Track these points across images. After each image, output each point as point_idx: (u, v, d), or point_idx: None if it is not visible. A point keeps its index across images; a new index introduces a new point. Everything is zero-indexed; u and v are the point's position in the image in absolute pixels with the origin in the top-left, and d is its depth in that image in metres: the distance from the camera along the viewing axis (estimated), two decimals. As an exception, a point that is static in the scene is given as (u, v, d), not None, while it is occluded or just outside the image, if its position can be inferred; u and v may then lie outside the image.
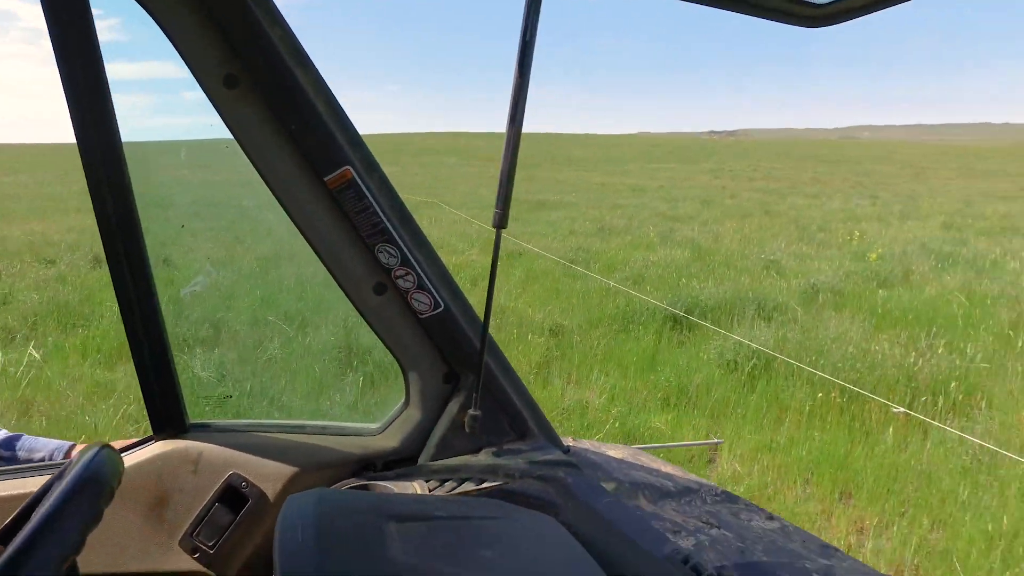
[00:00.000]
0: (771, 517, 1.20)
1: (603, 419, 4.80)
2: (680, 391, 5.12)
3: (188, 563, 1.17)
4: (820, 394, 4.65)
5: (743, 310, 6.72)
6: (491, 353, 1.19)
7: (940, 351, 5.30)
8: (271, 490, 1.18)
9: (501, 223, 0.95)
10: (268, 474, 1.18)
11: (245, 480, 1.17)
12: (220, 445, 1.18)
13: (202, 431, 1.22)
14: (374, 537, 0.82)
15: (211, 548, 1.16)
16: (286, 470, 1.18)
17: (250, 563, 1.20)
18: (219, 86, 0.94)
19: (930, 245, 11.30)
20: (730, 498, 1.26)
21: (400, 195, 1.09)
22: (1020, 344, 5.35)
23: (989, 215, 16.38)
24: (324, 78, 0.97)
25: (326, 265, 1.09)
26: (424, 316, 1.13)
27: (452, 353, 1.20)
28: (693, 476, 1.38)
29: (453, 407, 1.23)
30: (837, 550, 1.12)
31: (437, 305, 1.12)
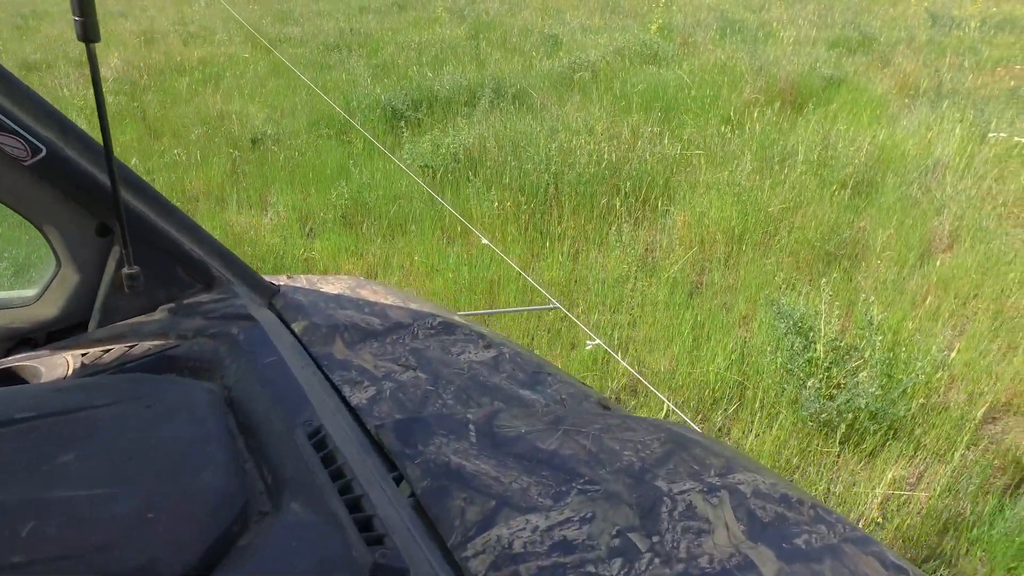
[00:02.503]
0: (488, 346, 1.12)
1: (261, 253, 4.04)
2: (359, 206, 4.40)
3: None
4: (497, 203, 4.10)
5: (478, 101, 5.88)
6: (140, 195, 0.99)
7: (645, 141, 4.85)
8: None
9: (87, 35, 0.69)
10: None
11: None
12: None
13: None
14: None
15: None
16: None
17: None
18: None
19: (729, 12, 10.67)
20: (447, 328, 1.16)
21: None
22: (724, 129, 5.00)
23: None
24: None
25: None
26: (28, 163, 0.88)
27: (86, 203, 0.99)
28: (415, 305, 1.27)
29: (111, 264, 1.06)
30: (551, 374, 1.07)
31: (36, 150, 0.87)
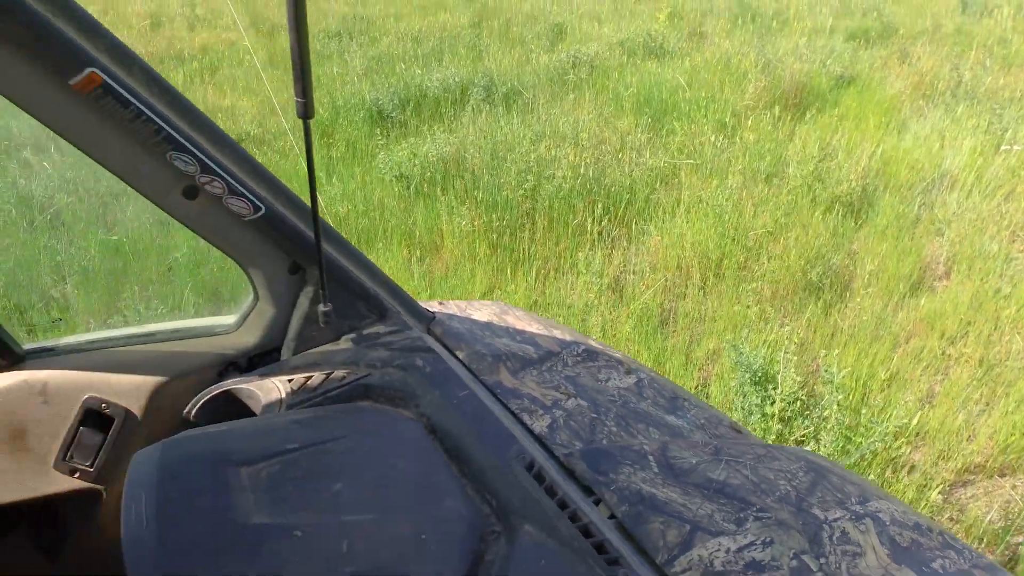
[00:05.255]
0: (629, 372, 1.24)
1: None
2: (331, 219, 4.29)
3: (71, 483, 1.13)
4: (465, 221, 3.95)
5: (468, 99, 5.69)
6: (330, 240, 1.13)
7: (630, 150, 4.64)
8: (136, 406, 1.13)
9: (306, 113, 0.82)
10: (128, 391, 1.12)
11: (104, 401, 1.12)
12: (67, 369, 1.11)
13: (44, 355, 1.12)
14: (222, 495, 0.80)
15: (90, 466, 1.13)
16: (147, 384, 1.14)
17: None
18: None
19: (748, -4, 10.22)
20: (590, 355, 1.27)
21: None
22: (717, 138, 4.74)
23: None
24: None
25: (115, 174, 0.93)
26: (247, 219, 1.04)
27: (289, 249, 1.13)
28: (558, 332, 1.37)
29: (304, 301, 1.20)
30: (686, 399, 1.19)
31: (257, 208, 1.03)
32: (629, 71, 6.23)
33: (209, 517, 0.78)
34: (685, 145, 4.75)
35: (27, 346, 1.13)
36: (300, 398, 1.08)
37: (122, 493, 1.02)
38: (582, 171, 4.14)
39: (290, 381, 1.12)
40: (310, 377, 1.12)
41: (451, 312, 1.38)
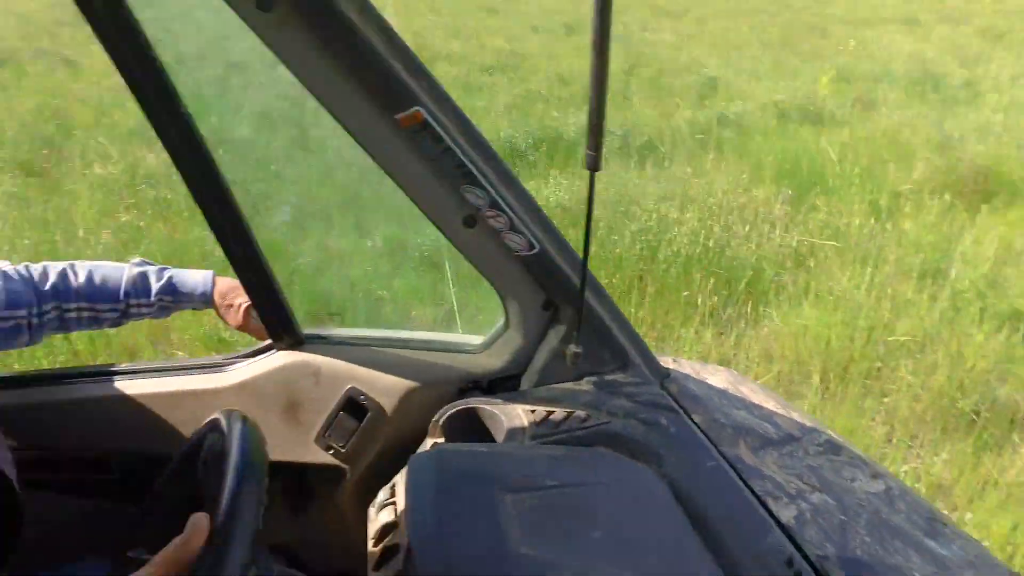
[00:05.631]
0: (875, 475, 1.17)
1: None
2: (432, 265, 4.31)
3: (326, 458, 1.28)
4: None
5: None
6: (590, 287, 1.18)
7: (763, 220, 4.25)
8: (388, 404, 1.25)
9: (595, 166, 0.85)
10: (383, 388, 1.25)
11: (363, 394, 1.25)
12: (336, 358, 1.26)
13: (318, 342, 1.28)
14: (495, 518, 0.86)
15: (342, 448, 1.27)
16: (399, 386, 1.25)
17: (378, 459, 1.28)
18: (251, 6, 0.83)
19: (931, 63, 9.30)
20: (833, 448, 1.22)
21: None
22: (865, 221, 4.20)
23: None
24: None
25: (410, 197, 1.06)
26: (519, 254, 1.12)
27: (549, 288, 1.21)
28: (796, 415, 1.33)
29: (553, 337, 1.25)
30: (946, 524, 1.09)
31: (532, 247, 1.10)
32: (776, 135, 5.81)
33: (485, 538, 0.82)
34: (827, 224, 4.29)
35: (305, 331, 1.27)
36: (543, 431, 1.12)
37: (362, 478, 1.25)
38: (702, 239, 3.85)
39: (532, 412, 1.16)
40: (552, 412, 1.16)
41: (685, 371, 1.38)
